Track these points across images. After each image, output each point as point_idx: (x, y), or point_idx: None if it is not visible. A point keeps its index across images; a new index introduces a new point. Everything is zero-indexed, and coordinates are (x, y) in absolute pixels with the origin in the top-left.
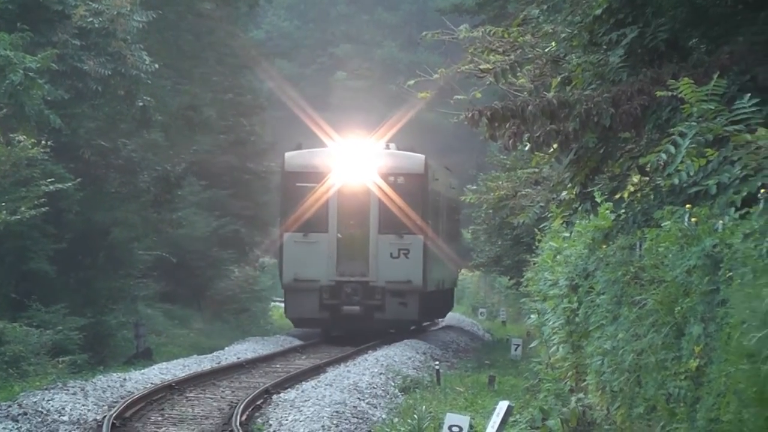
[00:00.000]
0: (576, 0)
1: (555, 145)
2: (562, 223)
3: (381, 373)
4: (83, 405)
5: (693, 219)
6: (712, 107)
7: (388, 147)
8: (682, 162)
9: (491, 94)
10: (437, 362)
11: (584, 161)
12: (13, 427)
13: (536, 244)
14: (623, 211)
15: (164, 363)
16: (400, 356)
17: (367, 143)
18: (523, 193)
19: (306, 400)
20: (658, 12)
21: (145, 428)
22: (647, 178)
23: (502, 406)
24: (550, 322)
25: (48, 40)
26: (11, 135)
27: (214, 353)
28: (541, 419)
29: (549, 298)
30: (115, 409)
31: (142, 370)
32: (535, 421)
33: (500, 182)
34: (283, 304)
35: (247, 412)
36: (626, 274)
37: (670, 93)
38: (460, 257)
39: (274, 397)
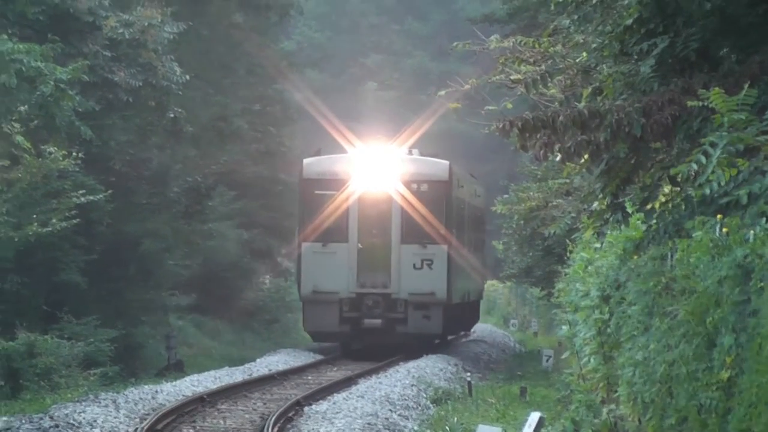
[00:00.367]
0: (607, 10)
1: (586, 156)
2: (593, 234)
3: (412, 385)
4: (115, 417)
5: (724, 229)
6: (743, 117)
7: (410, 153)
8: (713, 172)
9: (522, 105)
10: (469, 373)
11: (615, 172)
12: None
13: (567, 254)
14: (654, 221)
15: (196, 375)
16: (432, 368)
17: (389, 149)
18: (554, 203)
19: (338, 412)
20: (689, 22)
21: None
22: (678, 189)
23: (534, 417)
24: (582, 333)
25: (79, 51)
26: (42, 146)
27: (246, 365)
28: (573, 430)
29: (580, 309)
30: (147, 421)
31: (174, 382)
32: None
33: (531, 193)
34: None
35: (278, 425)
36: (657, 284)
37: (700, 103)
38: (486, 267)
39: (306, 409)
